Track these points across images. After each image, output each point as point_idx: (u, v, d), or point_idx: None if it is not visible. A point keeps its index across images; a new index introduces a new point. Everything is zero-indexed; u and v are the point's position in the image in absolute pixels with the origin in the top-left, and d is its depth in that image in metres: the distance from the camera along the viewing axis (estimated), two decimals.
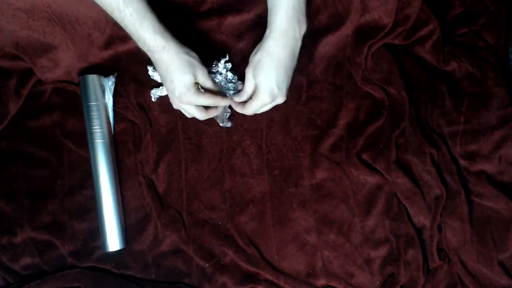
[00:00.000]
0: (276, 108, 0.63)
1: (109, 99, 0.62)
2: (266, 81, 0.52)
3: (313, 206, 0.61)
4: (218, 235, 0.62)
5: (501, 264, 0.55)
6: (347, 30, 0.61)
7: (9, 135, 0.65)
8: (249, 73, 0.54)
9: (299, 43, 0.52)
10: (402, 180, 0.60)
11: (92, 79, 0.60)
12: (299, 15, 0.50)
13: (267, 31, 0.52)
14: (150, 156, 0.63)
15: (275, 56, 0.51)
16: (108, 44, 0.62)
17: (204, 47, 0.63)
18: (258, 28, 0.62)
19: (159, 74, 0.55)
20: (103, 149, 0.60)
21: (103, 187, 0.60)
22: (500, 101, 0.59)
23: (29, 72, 0.63)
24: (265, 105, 0.55)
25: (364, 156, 0.62)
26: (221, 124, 0.62)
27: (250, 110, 0.56)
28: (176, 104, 0.56)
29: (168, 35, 0.52)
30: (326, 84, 0.63)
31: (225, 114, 0.61)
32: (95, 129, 0.60)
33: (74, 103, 0.64)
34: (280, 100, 0.54)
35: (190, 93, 0.54)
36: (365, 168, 0.61)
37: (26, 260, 0.62)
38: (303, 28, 0.52)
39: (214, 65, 0.61)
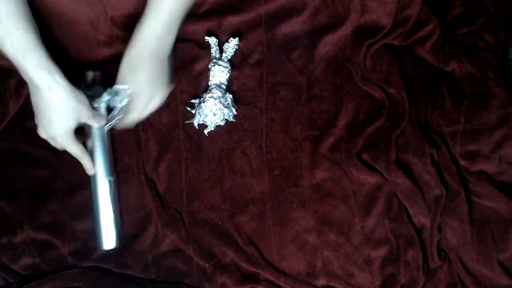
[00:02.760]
0: (276, 108, 0.63)
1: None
2: (138, 86, 0.53)
3: (313, 206, 0.61)
4: (218, 235, 0.62)
5: (501, 264, 0.55)
6: (347, 30, 0.61)
7: (9, 135, 0.65)
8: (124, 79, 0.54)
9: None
10: (402, 180, 0.60)
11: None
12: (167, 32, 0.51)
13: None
14: (151, 155, 0.63)
15: (136, 54, 0.52)
16: (107, 44, 0.62)
17: (203, 48, 0.63)
18: (258, 27, 0.62)
19: (34, 108, 0.52)
20: (100, 146, 0.60)
21: (99, 186, 0.59)
22: (500, 101, 0.59)
23: None
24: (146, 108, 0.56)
25: (364, 156, 0.62)
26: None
27: (133, 117, 0.56)
28: (43, 136, 0.53)
29: (56, 73, 0.49)
30: (326, 84, 0.63)
31: None
32: (96, 129, 0.60)
33: None
34: (162, 94, 0.56)
35: (67, 139, 0.53)
36: (365, 168, 0.61)
37: (26, 260, 0.62)
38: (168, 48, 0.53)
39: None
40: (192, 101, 0.62)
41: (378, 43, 0.62)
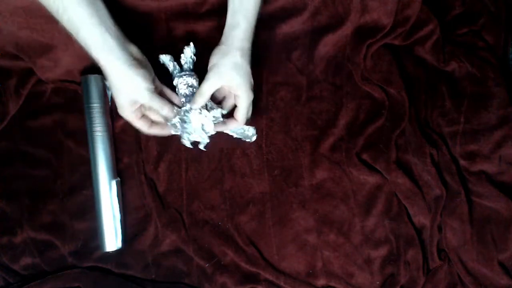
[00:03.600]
0: (276, 108, 0.63)
1: (110, 100, 0.62)
2: (246, 80, 0.52)
3: (313, 206, 0.61)
4: (218, 235, 0.62)
5: (501, 264, 0.55)
6: (347, 30, 0.61)
7: (9, 135, 0.65)
8: (216, 77, 0.52)
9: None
10: (402, 180, 0.60)
11: (95, 79, 0.60)
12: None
13: (237, 31, 0.52)
14: (151, 155, 0.63)
15: (247, 52, 0.53)
16: None
17: (203, 48, 0.63)
18: (257, 28, 0.62)
19: (108, 80, 0.51)
20: (104, 149, 0.60)
21: (102, 187, 0.60)
22: (500, 101, 0.59)
23: (29, 72, 0.63)
24: (249, 104, 0.55)
25: (364, 156, 0.62)
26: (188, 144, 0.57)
27: (241, 118, 0.55)
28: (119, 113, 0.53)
29: (109, 52, 0.49)
30: (326, 84, 0.63)
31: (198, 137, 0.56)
32: (96, 129, 0.60)
33: (75, 102, 0.64)
34: (252, 95, 0.54)
35: (127, 112, 0.52)
36: (365, 168, 0.61)
37: (26, 260, 0.62)
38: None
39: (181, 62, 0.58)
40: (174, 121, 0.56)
41: (378, 43, 0.62)
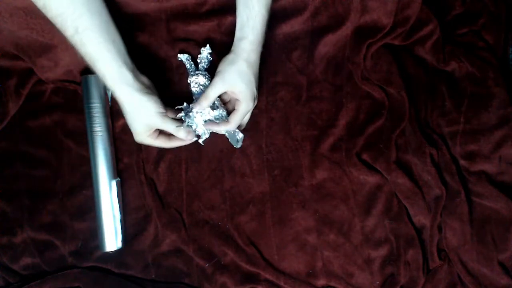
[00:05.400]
0: (276, 108, 0.63)
1: (110, 100, 0.62)
2: (249, 88, 0.55)
3: (313, 206, 0.61)
4: (218, 235, 0.62)
5: (501, 264, 0.55)
6: (347, 30, 0.61)
7: (9, 135, 0.65)
8: (220, 82, 0.54)
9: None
10: (402, 180, 0.60)
11: (95, 79, 0.60)
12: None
13: (244, 43, 0.54)
14: (151, 155, 0.63)
15: (254, 63, 0.55)
16: None
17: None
18: None
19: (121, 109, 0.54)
20: (104, 148, 0.60)
21: (102, 187, 0.60)
22: (500, 101, 0.59)
23: (29, 72, 0.63)
24: (248, 112, 0.56)
25: (364, 156, 0.62)
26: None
27: (234, 122, 0.56)
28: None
29: (122, 82, 0.52)
30: (326, 84, 0.63)
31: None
32: (96, 129, 0.60)
33: (75, 102, 0.64)
34: (255, 103, 0.57)
35: (144, 136, 0.55)
36: (365, 168, 0.61)
37: (26, 260, 0.62)
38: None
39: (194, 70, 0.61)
40: (178, 107, 0.59)
41: (378, 43, 0.62)
